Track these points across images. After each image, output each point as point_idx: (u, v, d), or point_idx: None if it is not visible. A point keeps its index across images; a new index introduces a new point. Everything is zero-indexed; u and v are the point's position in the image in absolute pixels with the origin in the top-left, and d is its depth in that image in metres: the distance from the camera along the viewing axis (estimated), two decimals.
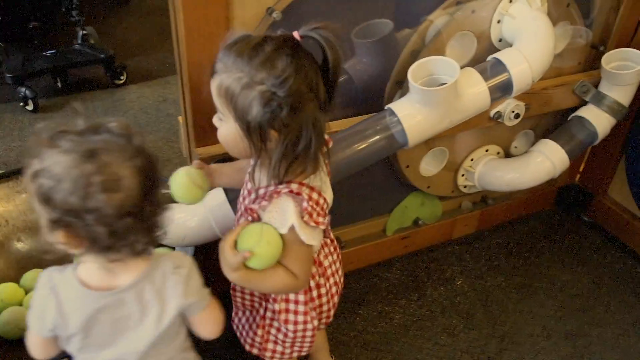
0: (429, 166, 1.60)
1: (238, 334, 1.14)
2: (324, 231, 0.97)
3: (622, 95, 1.59)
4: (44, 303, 0.81)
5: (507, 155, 1.71)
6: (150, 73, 2.78)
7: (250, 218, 0.93)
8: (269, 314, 1.05)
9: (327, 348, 1.38)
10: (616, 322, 1.62)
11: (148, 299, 0.82)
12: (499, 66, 1.30)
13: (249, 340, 1.10)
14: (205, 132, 1.21)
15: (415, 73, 1.24)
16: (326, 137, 0.91)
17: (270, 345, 1.08)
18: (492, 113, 1.47)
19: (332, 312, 1.09)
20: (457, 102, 1.26)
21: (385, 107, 1.29)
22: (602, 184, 1.91)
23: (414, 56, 1.36)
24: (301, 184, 0.88)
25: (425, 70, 1.26)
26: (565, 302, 1.67)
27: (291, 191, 0.86)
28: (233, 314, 1.14)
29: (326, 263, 1.03)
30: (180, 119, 1.31)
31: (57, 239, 0.75)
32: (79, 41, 2.65)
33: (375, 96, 1.42)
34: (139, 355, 0.84)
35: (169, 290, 0.84)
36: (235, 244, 0.89)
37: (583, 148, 1.65)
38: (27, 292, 1.38)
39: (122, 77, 2.65)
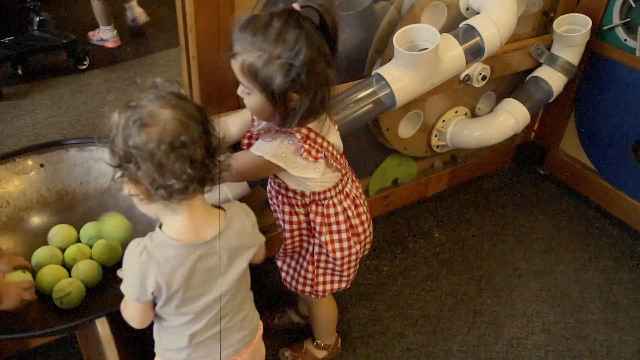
0: (406, 128, 1.73)
1: (289, 278, 1.28)
2: (340, 169, 1.11)
3: (572, 56, 1.77)
4: (143, 269, 0.84)
5: (473, 116, 1.87)
6: (112, 57, 2.78)
7: None
8: (316, 249, 1.19)
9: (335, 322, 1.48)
10: (575, 259, 1.82)
11: (233, 245, 0.90)
12: (471, 31, 1.43)
13: (300, 280, 1.24)
14: (211, 102, 1.29)
15: (398, 40, 1.36)
16: None
17: (320, 279, 1.23)
18: (462, 76, 1.62)
19: (368, 240, 1.24)
20: (438, 65, 1.38)
21: (373, 73, 1.41)
22: (555, 139, 2.11)
23: (392, 27, 1.48)
24: (300, 127, 1.01)
25: (407, 37, 1.38)
26: (530, 246, 1.86)
27: (288, 131, 1.01)
28: (281, 263, 1.28)
29: (352, 194, 1.17)
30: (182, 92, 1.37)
31: (130, 191, 0.83)
32: (35, 27, 2.61)
33: (357, 64, 1.53)
34: (226, 298, 0.92)
35: (246, 237, 0.93)
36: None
37: (541, 105, 1.83)
38: (37, 268, 1.42)
39: (85, 62, 2.64)
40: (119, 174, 0.81)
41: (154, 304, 0.89)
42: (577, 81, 1.92)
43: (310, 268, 1.22)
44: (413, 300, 1.64)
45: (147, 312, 0.90)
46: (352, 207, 1.17)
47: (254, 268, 0.99)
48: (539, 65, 1.82)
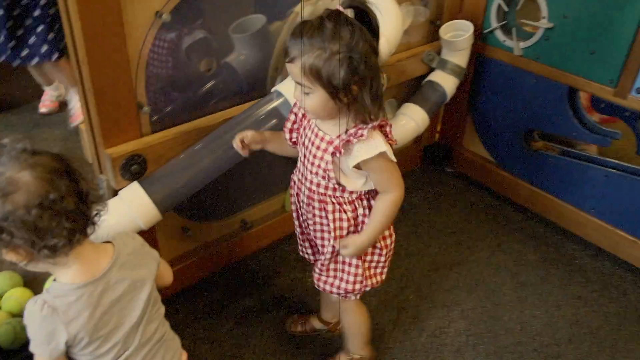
0: None
1: (337, 282, 1.28)
2: None
3: (460, 59, 1.91)
4: (49, 323, 0.83)
5: None
6: (13, 101, 2.69)
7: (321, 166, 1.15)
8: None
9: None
10: (486, 247, 1.94)
11: (131, 270, 0.91)
12: None
13: (350, 279, 1.25)
14: (112, 132, 1.29)
15: None
16: None
17: (372, 279, 1.27)
18: None
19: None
20: None
21: (272, 90, 1.46)
22: (458, 138, 2.24)
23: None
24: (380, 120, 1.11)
25: None
26: (444, 240, 1.96)
27: (378, 127, 1.10)
28: (316, 280, 1.30)
29: None
30: (82, 126, 1.36)
31: (9, 258, 0.82)
32: None
33: (258, 83, 1.58)
34: (142, 326, 0.92)
35: (140, 257, 0.95)
36: None
37: (437, 106, 1.94)
38: None
39: None
40: None
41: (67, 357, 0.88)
42: (469, 82, 2.06)
43: (359, 263, 1.24)
44: None
45: None
46: None
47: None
48: (432, 70, 1.94)
